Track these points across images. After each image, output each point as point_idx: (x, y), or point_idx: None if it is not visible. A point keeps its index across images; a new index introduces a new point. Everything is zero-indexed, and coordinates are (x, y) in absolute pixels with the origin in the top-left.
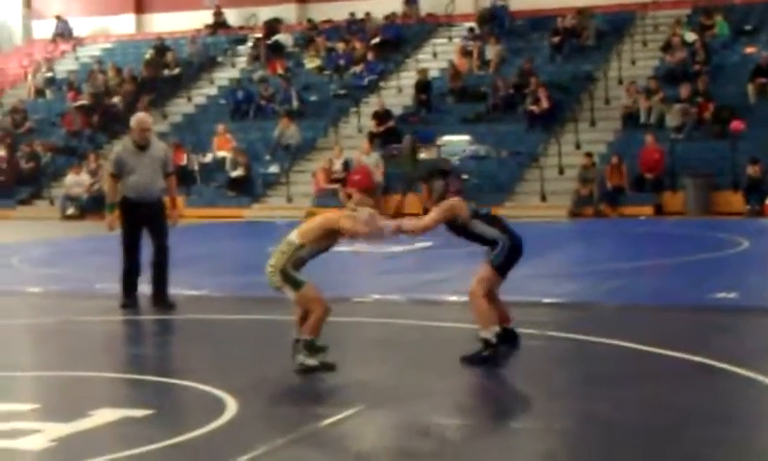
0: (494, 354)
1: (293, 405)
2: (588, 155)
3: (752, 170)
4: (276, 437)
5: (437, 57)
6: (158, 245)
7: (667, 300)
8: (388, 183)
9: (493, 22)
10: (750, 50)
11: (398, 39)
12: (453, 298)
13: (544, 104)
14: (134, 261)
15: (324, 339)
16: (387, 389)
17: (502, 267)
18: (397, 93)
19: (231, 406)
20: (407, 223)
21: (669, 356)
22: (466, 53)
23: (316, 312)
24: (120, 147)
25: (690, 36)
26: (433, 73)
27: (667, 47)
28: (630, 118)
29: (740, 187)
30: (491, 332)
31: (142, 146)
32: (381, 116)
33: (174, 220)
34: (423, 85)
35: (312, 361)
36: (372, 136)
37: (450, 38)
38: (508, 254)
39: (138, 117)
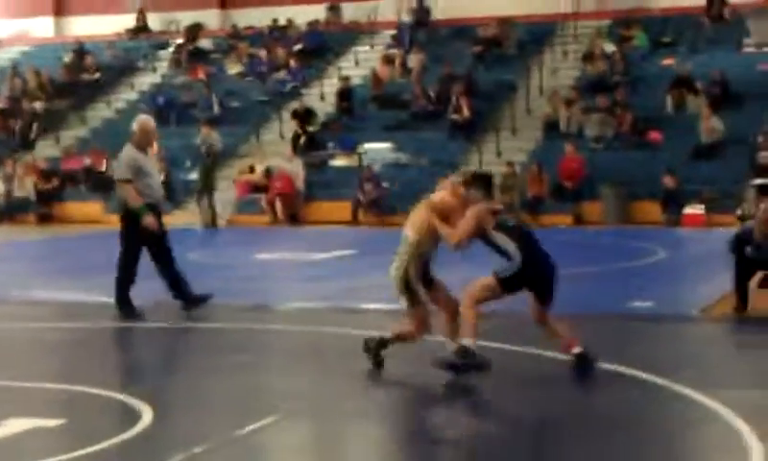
0: (467, 365)
1: (210, 414)
2: (509, 163)
3: (668, 180)
4: (193, 446)
5: (359, 64)
6: (169, 247)
7: (585, 308)
8: (310, 191)
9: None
10: (668, 61)
11: (321, 46)
12: (376, 306)
13: (466, 112)
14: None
15: (245, 346)
16: (306, 398)
17: (507, 282)
18: (320, 100)
19: (147, 415)
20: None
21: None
22: (388, 61)
23: (411, 330)
24: (129, 151)
25: (610, 48)
26: (355, 80)
27: (588, 58)
28: (550, 128)
29: (657, 197)
30: (470, 341)
31: (145, 149)
32: (302, 116)
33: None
34: (346, 93)
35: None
36: (296, 139)
37: (373, 46)
38: (517, 272)
39: (142, 120)
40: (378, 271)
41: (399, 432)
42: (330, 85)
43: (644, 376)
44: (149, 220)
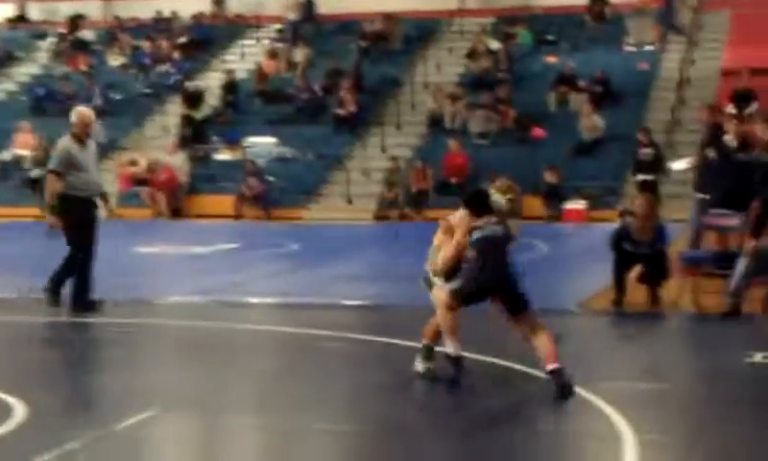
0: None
1: (85, 410)
2: (393, 158)
3: (550, 176)
4: (66, 442)
5: (244, 58)
6: (93, 245)
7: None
8: (193, 184)
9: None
10: (551, 59)
11: (206, 39)
12: (258, 300)
13: (351, 107)
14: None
15: (122, 341)
16: (184, 392)
17: (460, 293)
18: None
19: (19, 411)
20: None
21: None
22: (273, 55)
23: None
24: (65, 143)
25: (494, 45)
26: (240, 74)
27: (472, 54)
28: (435, 123)
29: (540, 192)
30: (450, 347)
31: (84, 141)
32: (192, 98)
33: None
34: (230, 87)
35: (421, 367)
36: (185, 124)
37: (258, 40)
38: (468, 280)
39: (80, 111)
40: (261, 265)
41: (277, 426)
42: (215, 79)
43: (523, 368)
44: (51, 220)
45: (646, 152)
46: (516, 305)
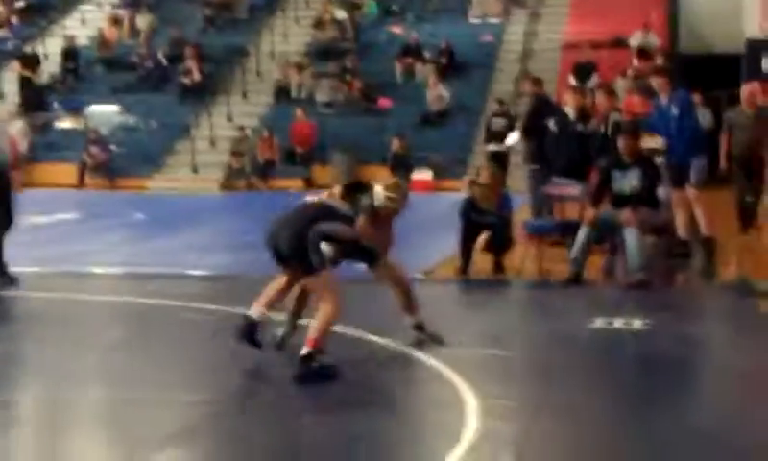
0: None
1: None
2: (240, 128)
3: (397, 145)
4: None
5: (85, 24)
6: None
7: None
8: (35, 153)
9: None
10: (396, 30)
11: (44, 4)
12: (100, 270)
13: (196, 76)
14: None
15: None
16: (26, 364)
17: None
18: (44, 60)
19: None
20: None
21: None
22: (115, 22)
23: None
24: None
25: (341, 14)
26: (81, 41)
27: (319, 24)
28: (281, 92)
29: (387, 162)
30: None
31: None
32: (29, 60)
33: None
34: (71, 53)
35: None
36: (23, 87)
37: (99, 5)
38: None
39: None
40: (105, 235)
41: (119, 397)
42: (54, 45)
43: (368, 336)
44: None
45: (499, 122)
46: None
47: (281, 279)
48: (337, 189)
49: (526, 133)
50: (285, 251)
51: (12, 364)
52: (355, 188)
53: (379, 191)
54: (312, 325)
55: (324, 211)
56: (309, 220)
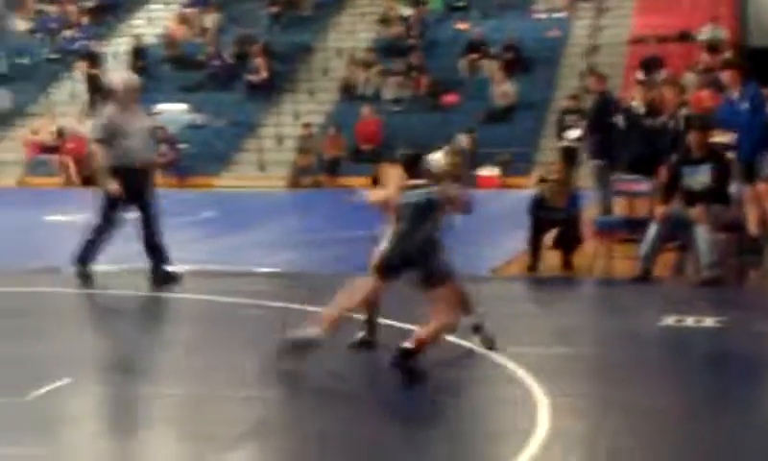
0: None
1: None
2: (307, 125)
3: (465, 142)
4: None
5: (153, 22)
6: (149, 214)
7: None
8: None
9: None
10: (462, 26)
11: (113, 4)
12: (171, 267)
13: (263, 73)
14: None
15: (34, 310)
16: (98, 361)
17: (380, 265)
18: (112, 60)
19: None
20: None
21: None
22: (182, 20)
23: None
24: (108, 111)
25: (406, 11)
26: (149, 40)
27: (384, 20)
28: (347, 90)
29: None
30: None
31: (130, 109)
32: (91, 59)
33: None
34: (139, 52)
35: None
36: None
37: (166, 4)
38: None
39: (124, 77)
40: (175, 233)
41: (191, 393)
42: (123, 45)
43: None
44: (111, 187)
45: (572, 118)
46: (427, 281)
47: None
48: (393, 172)
49: (591, 130)
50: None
51: (83, 360)
52: (414, 161)
53: (439, 158)
54: (426, 326)
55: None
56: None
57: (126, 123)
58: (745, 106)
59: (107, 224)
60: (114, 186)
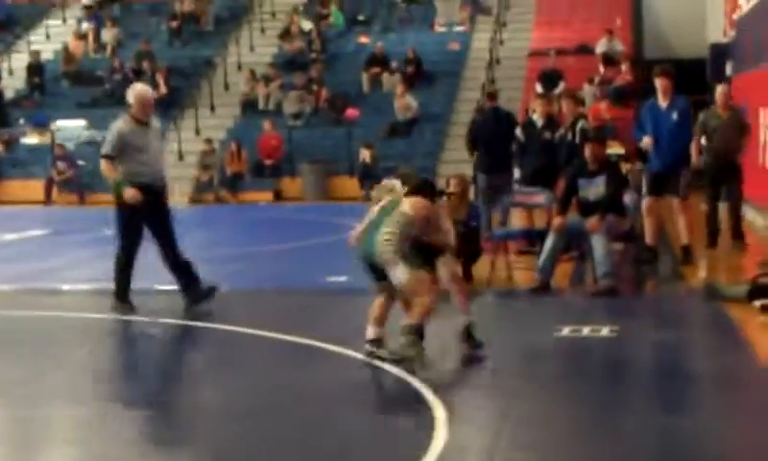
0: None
1: None
2: (208, 141)
3: (365, 156)
4: None
5: (50, 39)
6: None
7: (283, 283)
8: (2, 170)
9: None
10: (363, 40)
11: (9, 19)
12: (71, 286)
13: (163, 89)
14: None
15: None
16: None
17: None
18: (9, 76)
19: None
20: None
21: (280, 340)
22: (80, 36)
23: (424, 299)
24: (120, 125)
25: (307, 25)
26: (47, 55)
27: (285, 35)
28: (249, 105)
29: (355, 173)
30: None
31: (145, 123)
32: None
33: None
34: (36, 68)
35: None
36: None
37: (65, 20)
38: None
39: (138, 90)
40: (73, 251)
41: (95, 410)
42: (19, 60)
43: (335, 348)
44: (129, 193)
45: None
46: None
47: (380, 300)
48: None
49: (479, 145)
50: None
51: None
52: (432, 188)
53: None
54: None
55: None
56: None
57: (139, 138)
58: (674, 117)
59: (129, 244)
60: (133, 192)
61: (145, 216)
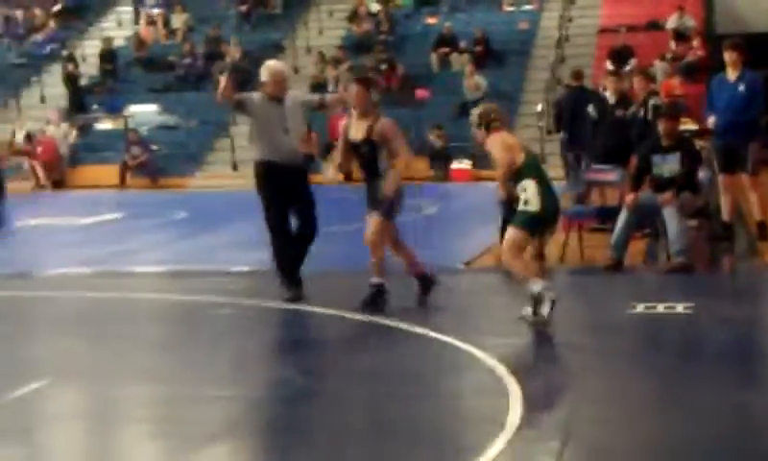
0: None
1: None
2: None
3: (435, 137)
4: None
5: (122, 25)
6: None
7: (351, 264)
8: (76, 155)
9: None
10: (431, 20)
11: (81, 7)
12: (144, 268)
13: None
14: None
15: (7, 315)
16: (74, 363)
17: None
18: (82, 62)
19: None
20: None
21: (353, 320)
22: (151, 22)
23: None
24: (256, 99)
25: (375, 7)
26: (118, 42)
27: (353, 17)
28: (318, 87)
29: (425, 153)
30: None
31: (280, 100)
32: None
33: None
34: (108, 55)
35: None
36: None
37: (135, 7)
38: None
39: (272, 66)
40: (148, 234)
41: (168, 394)
42: (92, 47)
43: (409, 327)
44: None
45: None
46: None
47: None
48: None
49: (564, 123)
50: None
51: (59, 362)
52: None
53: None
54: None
55: None
56: None
57: (273, 115)
58: (742, 90)
59: (273, 226)
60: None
61: (283, 195)
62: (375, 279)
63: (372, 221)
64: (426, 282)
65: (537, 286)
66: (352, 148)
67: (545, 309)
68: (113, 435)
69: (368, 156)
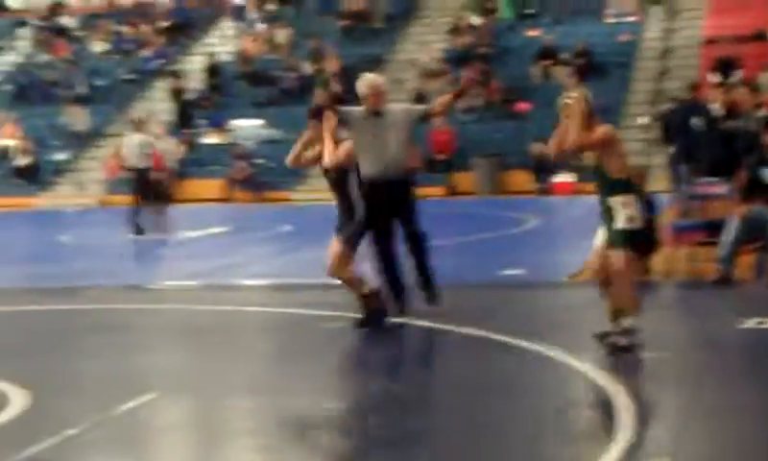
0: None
1: (84, 395)
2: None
3: (538, 149)
4: (66, 428)
5: (226, 40)
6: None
7: (458, 278)
8: (183, 169)
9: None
10: (533, 33)
11: (187, 23)
12: (250, 282)
13: (336, 87)
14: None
15: (118, 326)
16: (183, 375)
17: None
18: (187, 78)
19: (18, 399)
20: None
21: (459, 333)
22: (255, 37)
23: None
24: (355, 114)
25: (476, 20)
26: (223, 57)
27: (454, 30)
28: (420, 100)
29: (528, 166)
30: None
31: (380, 113)
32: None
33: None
34: (213, 70)
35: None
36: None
37: (240, 22)
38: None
39: (370, 79)
40: (254, 247)
41: (276, 407)
42: (197, 63)
43: (514, 341)
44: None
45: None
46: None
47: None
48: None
49: (672, 135)
50: None
51: (168, 374)
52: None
53: None
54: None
55: None
56: None
57: (373, 129)
58: None
59: (377, 243)
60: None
61: (386, 211)
62: (365, 290)
63: (333, 249)
64: (373, 315)
65: (631, 321)
66: (323, 173)
67: (623, 342)
68: (222, 448)
69: (335, 181)
